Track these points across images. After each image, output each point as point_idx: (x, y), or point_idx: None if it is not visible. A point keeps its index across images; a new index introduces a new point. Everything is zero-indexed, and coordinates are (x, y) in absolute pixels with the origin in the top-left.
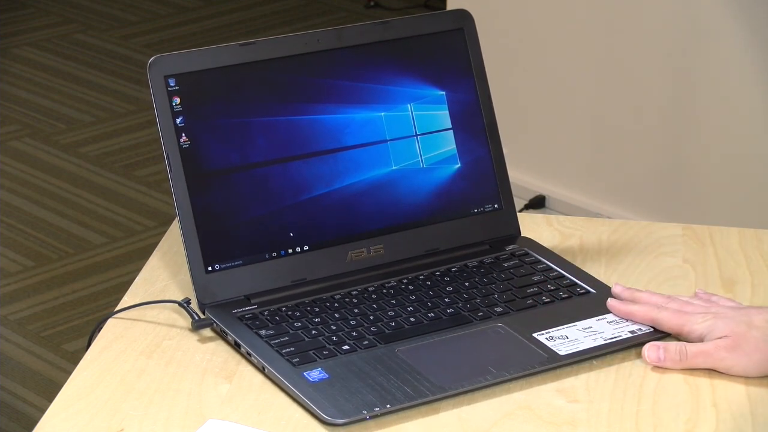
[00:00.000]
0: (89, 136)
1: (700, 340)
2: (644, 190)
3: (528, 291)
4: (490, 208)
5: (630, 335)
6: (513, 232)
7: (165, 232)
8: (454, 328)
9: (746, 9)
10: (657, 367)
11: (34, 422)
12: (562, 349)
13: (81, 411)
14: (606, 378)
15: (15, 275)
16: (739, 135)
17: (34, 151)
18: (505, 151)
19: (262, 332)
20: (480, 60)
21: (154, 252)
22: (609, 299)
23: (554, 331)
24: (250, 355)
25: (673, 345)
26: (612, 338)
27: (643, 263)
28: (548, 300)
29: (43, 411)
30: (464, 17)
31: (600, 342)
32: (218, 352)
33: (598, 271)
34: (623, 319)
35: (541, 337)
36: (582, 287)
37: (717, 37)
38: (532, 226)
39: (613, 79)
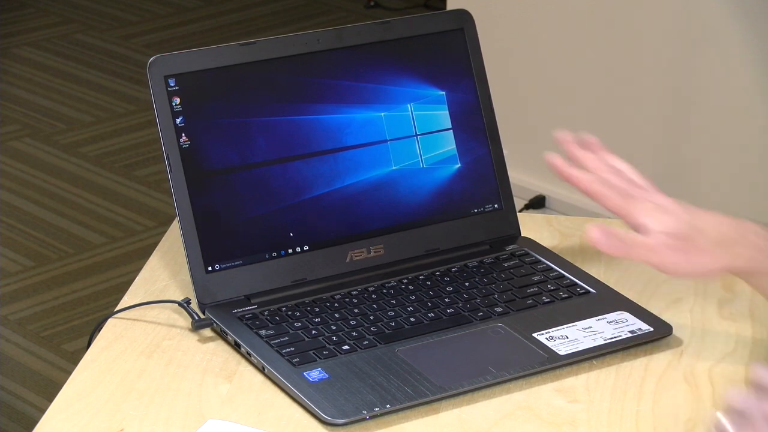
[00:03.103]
0: (89, 136)
1: (643, 230)
2: None
3: (528, 291)
4: (490, 208)
5: (630, 335)
6: (513, 232)
7: (165, 232)
8: (454, 328)
9: (746, 9)
10: (606, 251)
11: (34, 422)
12: (562, 349)
13: (81, 411)
14: (606, 378)
15: (15, 275)
16: (739, 135)
17: (34, 151)
18: (505, 151)
19: (262, 332)
20: (480, 60)
21: (154, 252)
22: (551, 155)
23: (554, 331)
24: (250, 355)
25: (618, 230)
26: (612, 338)
27: (643, 263)
28: (548, 300)
29: (43, 411)
30: (464, 17)
31: (600, 342)
32: (218, 352)
33: (598, 271)
34: (565, 180)
35: (541, 337)
36: (582, 287)
37: (717, 38)
38: (532, 226)
39: (613, 80)
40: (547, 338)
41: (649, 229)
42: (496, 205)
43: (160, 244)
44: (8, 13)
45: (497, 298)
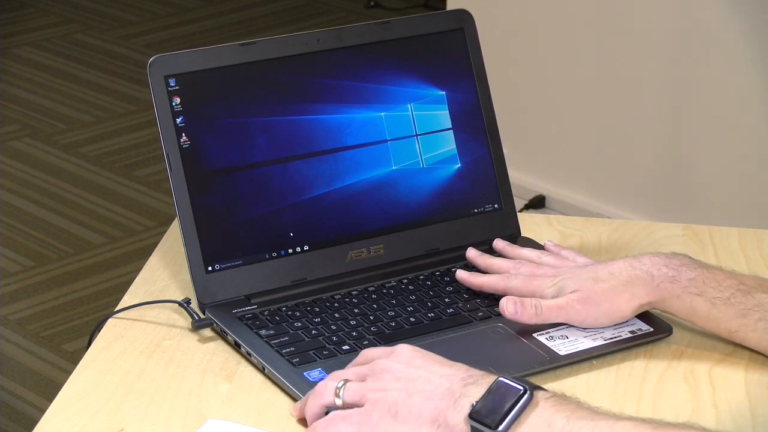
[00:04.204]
0: (89, 136)
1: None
2: (644, 190)
3: None
4: (490, 208)
5: (630, 335)
6: (513, 232)
7: (165, 232)
8: (454, 328)
9: (746, 9)
10: (520, 323)
11: (34, 422)
12: (562, 349)
13: (81, 411)
14: (606, 378)
15: (15, 275)
16: (739, 135)
17: (34, 151)
18: (505, 151)
19: (262, 332)
20: (480, 60)
21: (154, 252)
22: (458, 270)
23: (554, 331)
24: (250, 355)
25: (528, 300)
26: (612, 338)
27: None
28: None
29: (43, 411)
30: (464, 17)
31: (600, 342)
32: (218, 352)
33: None
34: (474, 290)
35: (541, 337)
36: None
37: (717, 38)
38: (532, 226)
39: (613, 79)
40: (547, 338)
41: (557, 297)
42: (496, 205)
43: (160, 244)
44: (8, 13)
45: (497, 298)
